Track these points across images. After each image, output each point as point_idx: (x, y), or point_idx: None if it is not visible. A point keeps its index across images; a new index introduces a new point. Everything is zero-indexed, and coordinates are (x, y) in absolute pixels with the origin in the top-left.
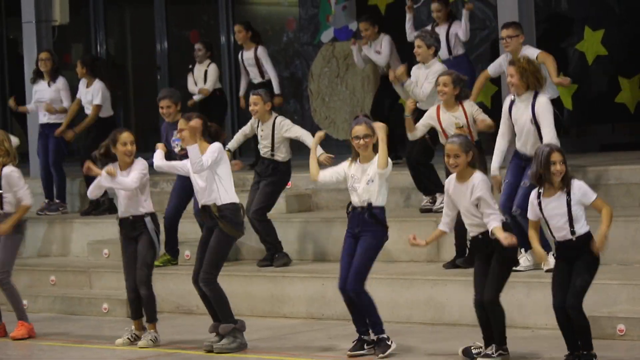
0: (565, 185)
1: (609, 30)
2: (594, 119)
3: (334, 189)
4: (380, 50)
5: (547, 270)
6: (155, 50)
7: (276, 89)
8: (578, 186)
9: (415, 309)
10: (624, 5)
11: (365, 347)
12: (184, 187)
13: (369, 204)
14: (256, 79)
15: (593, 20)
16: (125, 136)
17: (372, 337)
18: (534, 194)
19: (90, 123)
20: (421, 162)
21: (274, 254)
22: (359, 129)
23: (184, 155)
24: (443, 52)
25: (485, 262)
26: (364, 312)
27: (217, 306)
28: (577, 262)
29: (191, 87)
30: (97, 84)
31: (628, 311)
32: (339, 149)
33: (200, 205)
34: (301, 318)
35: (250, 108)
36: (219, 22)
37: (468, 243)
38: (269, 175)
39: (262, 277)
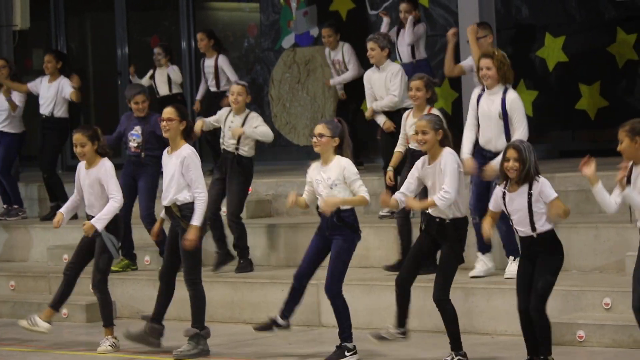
0: (528, 182)
1: (570, 37)
2: (554, 126)
3: None
4: (345, 62)
5: (507, 278)
6: (116, 56)
7: None
8: (540, 184)
9: (375, 315)
10: (584, 12)
11: (275, 328)
12: (128, 186)
13: (337, 208)
14: (212, 87)
15: (554, 27)
16: (74, 138)
17: (283, 322)
18: (501, 187)
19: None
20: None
21: (239, 260)
22: (316, 127)
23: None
24: (406, 56)
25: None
26: (336, 316)
27: (195, 308)
28: (538, 261)
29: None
30: (64, 80)
31: (587, 317)
32: (299, 155)
33: (163, 206)
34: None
35: (233, 98)
36: (180, 28)
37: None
38: (236, 174)
39: (223, 283)
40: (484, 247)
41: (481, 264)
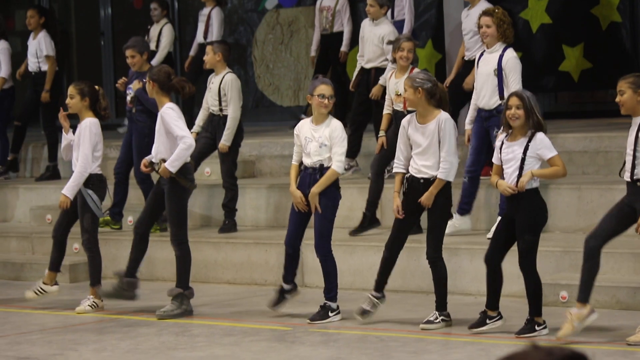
0: (530, 134)
1: None
2: (537, 88)
3: (278, 156)
4: (336, 11)
5: (490, 238)
6: (99, 16)
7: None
8: (540, 138)
9: (358, 275)
10: None
11: (286, 295)
12: (127, 142)
13: (321, 165)
14: (199, 37)
15: None
16: (69, 90)
17: (288, 286)
18: (501, 137)
19: (52, 76)
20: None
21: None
22: (325, 88)
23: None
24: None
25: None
26: (324, 275)
27: (180, 268)
28: (517, 219)
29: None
30: (43, 34)
31: (571, 278)
32: (283, 116)
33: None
34: (244, 284)
35: (205, 57)
36: None
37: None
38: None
39: (206, 243)
40: (463, 209)
41: (454, 222)
